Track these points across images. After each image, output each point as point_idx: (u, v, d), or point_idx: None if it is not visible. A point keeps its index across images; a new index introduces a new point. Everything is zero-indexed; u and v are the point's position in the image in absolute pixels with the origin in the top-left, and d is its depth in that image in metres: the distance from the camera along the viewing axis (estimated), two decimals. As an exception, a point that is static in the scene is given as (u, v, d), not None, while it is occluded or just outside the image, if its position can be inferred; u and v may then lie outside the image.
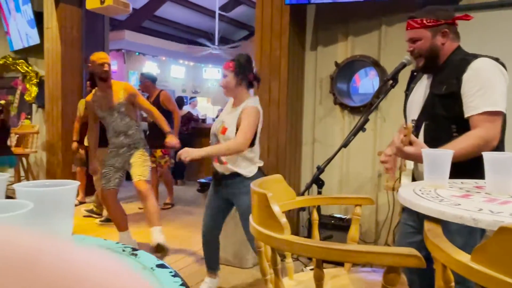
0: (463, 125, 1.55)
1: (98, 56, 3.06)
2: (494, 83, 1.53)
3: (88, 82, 4.29)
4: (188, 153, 2.13)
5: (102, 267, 0.19)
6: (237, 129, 2.19)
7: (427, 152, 1.36)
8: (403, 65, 1.93)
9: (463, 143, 1.47)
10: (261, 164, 2.34)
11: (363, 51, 3.36)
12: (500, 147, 1.53)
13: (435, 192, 1.30)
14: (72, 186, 0.70)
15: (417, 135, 1.70)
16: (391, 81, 2.01)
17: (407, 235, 1.71)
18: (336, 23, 3.47)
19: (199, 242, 3.49)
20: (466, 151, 1.45)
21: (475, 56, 1.58)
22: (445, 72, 1.63)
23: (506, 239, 0.77)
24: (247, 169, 2.25)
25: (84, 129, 4.21)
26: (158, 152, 4.54)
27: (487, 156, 1.28)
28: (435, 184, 1.34)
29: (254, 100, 2.27)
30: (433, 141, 1.56)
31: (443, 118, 1.60)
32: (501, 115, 1.53)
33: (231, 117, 2.26)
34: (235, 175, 2.24)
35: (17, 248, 0.18)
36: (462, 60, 1.59)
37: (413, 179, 1.73)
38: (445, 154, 1.34)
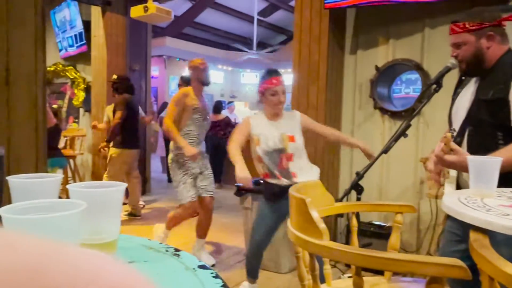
0: (510, 133, 1.47)
1: (199, 62, 3.15)
2: None
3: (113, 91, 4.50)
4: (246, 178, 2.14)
5: (110, 271, 0.19)
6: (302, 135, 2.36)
7: (473, 159, 1.31)
8: (448, 69, 1.87)
9: (507, 154, 1.40)
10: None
11: (405, 54, 3.28)
12: None
13: (482, 201, 1.24)
14: (120, 188, 0.73)
15: (461, 141, 1.64)
16: (434, 86, 1.95)
17: (451, 243, 1.65)
18: (376, 26, 3.41)
19: (236, 246, 3.54)
20: (509, 163, 1.37)
21: None
22: (493, 76, 1.56)
23: (561, 253, 0.73)
24: (316, 172, 2.32)
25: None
26: None
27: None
28: (482, 193, 1.29)
29: (288, 109, 2.47)
30: (477, 148, 1.50)
31: (489, 124, 1.53)
32: None
33: (287, 126, 2.32)
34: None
35: (23, 254, 0.18)
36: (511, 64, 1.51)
37: (458, 187, 1.66)
38: (493, 162, 1.28)
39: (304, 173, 2.23)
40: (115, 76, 4.53)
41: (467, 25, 1.59)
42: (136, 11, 4.49)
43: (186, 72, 5.07)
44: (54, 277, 0.18)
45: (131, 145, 4.48)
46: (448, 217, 1.70)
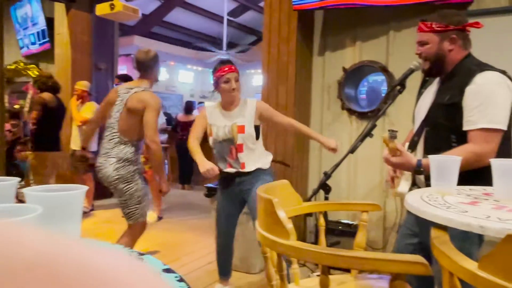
0: (463, 137, 1.54)
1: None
2: (496, 99, 1.50)
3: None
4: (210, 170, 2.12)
5: (121, 268, 0.19)
6: (257, 128, 2.28)
7: (434, 158, 1.35)
8: (411, 71, 1.93)
9: (460, 154, 1.44)
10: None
11: (371, 56, 3.35)
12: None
13: (443, 199, 1.29)
14: (80, 191, 0.71)
15: (418, 141, 1.71)
16: (399, 87, 2.00)
17: (405, 236, 1.73)
18: (344, 28, 3.47)
19: (206, 247, 3.51)
20: (462, 162, 1.43)
21: (482, 69, 1.55)
22: (451, 81, 1.61)
23: (514, 247, 0.76)
24: (265, 161, 2.33)
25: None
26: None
27: (496, 163, 1.27)
28: (443, 190, 1.33)
29: (245, 98, 2.38)
30: (432, 149, 1.56)
31: (444, 127, 1.59)
32: (500, 132, 1.50)
33: (238, 116, 2.29)
34: (252, 171, 2.28)
35: (34, 249, 0.18)
36: (469, 70, 1.56)
37: (414, 183, 1.73)
38: (453, 160, 1.33)
39: (254, 162, 2.28)
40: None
41: (433, 26, 1.64)
42: (101, 9, 4.37)
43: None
44: (64, 272, 0.17)
45: (46, 147, 4.19)
46: (407, 212, 1.77)
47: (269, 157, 2.39)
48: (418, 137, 1.70)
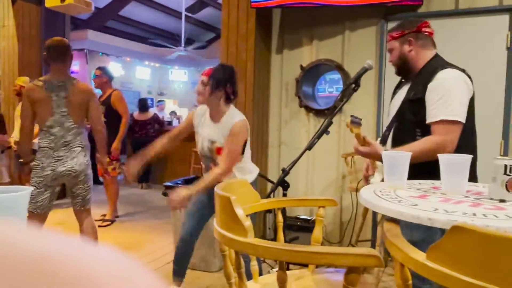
0: (427, 130, 1.66)
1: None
2: (455, 94, 1.64)
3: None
4: (179, 198, 2.04)
5: (114, 266, 0.19)
6: None
7: (386, 154, 1.40)
8: (365, 70, 2.00)
9: (418, 146, 1.59)
10: (257, 171, 2.29)
11: (328, 55, 3.43)
12: (464, 153, 1.60)
13: (394, 193, 1.34)
14: (23, 193, 0.67)
15: (388, 135, 1.84)
16: (353, 85, 2.06)
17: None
18: (301, 27, 3.52)
19: (164, 247, 3.45)
20: (420, 154, 1.56)
21: (443, 67, 1.70)
22: (418, 79, 1.76)
23: (459, 238, 0.81)
24: (251, 175, 2.22)
25: None
26: (106, 158, 4.21)
27: (443, 157, 1.33)
28: (394, 185, 1.38)
29: (236, 113, 2.17)
30: (399, 142, 1.69)
31: (410, 122, 1.72)
32: (459, 124, 1.64)
33: (219, 134, 2.15)
34: None
35: (26, 247, 0.18)
36: (433, 68, 1.71)
37: None
38: (403, 156, 1.38)
39: (233, 176, 2.18)
40: None
41: (394, 34, 1.85)
42: (51, 1, 4.16)
43: (110, 68, 4.68)
44: (57, 270, 0.17)
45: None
46: None
47: (253, 174, 2.26)
48: (389, 132, 1.83)
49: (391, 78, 3.13)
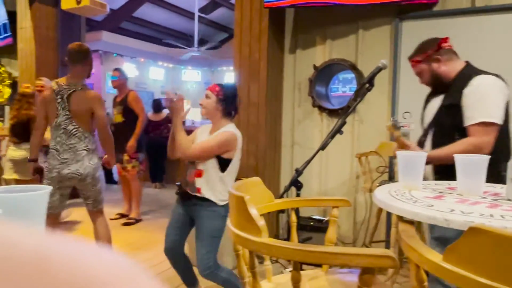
0: (465, 134, 1.73)
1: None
2: (490, 97, 1.71)
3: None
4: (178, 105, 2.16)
5: (114, 268, 0.19)
6: (224, 161, 2.18)
7: (401, 154, 1.39)
8: (379, 69, 1.99)
9: (455, 148, 1.64)
10: (227, 202, 2.20)
11: (341, 54, 3.41)
12: (499, 155, 1.63)
13: (409, 193, 1.32)
14: (42, 192, 0.68)
15: (425, 140, 1.92)
16: (367, 85, 2.05)
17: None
18: (314, 26, 3.51)
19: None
20: (452, 155, 1.60)
21: (477, 73, 1.78)
22: (453, 86, 1.83)
23: (476, 239, 0.79)
24: (221, 196, 2.17)
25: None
26: (125, 156, 4.18)
27: (458, 158, 1.31)
28: (409, 185, 1.37)
29: (232, 126, 2.25)
30: (438, 146, 1.78)
31: (448, 126, 1.80)
32: (496, 126, 1.69)
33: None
34: (205, 199, 2.15)
35: (26, 248, 0.18)
36: (467, 76, 1.78)
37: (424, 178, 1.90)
38: (418, 157, 1.37)
39: (210, 190, 2.16)
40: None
41: (418, 58, 1.94)
42: (67, 3, 4.23)
43: (124, 69, 4.72)
44: (57, 270, 0.18)
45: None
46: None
47: (223, 201, 2.21)
48: (425, 137, 1.92)
49: (406, 77, 3.10)
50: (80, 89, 2.54)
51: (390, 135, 1.70)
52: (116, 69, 4.42)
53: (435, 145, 1.83)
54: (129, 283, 0.19)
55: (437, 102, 1.91)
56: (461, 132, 1.74)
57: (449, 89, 1.85)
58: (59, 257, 0.18)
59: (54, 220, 2.52)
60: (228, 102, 2.25)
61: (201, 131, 2.37)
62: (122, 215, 4.47)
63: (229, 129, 2.22)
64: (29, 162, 2.69)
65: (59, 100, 2.50)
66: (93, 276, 0.18)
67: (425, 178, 1.82)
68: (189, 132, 2.41)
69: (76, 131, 2.51)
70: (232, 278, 2.19)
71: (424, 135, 1.94)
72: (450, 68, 1.87)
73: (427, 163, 1.68)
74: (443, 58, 1.88)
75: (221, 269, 2.19)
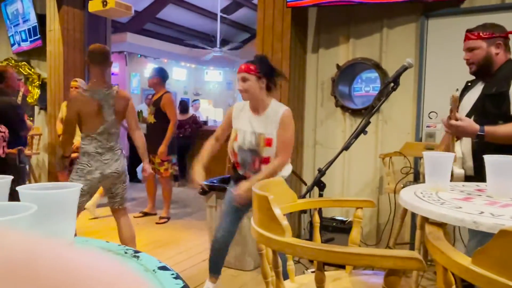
0: (509, 121, 1.74)
1: None
2: None
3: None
4: (244, 192, 2.06)
5: (101, 268, 0.19)
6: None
7: (428, 154, 1.36)
8: (405, 68, 1.95)
9: (507, 127, 1.70)
10: (291, 166, 2.30)
11: (365, 53, 3.36)
12: None
13: (437, 195, 1.30)
14: (75, 189, 0.70)
15: None
16: (392, 84, 2.02)
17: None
18: (337, 25, 3.48)
19: (200, 245, 3.51)
20: (509, 134, 1.69)
21: None
22: (496, 77, 1.85)
23: (507, 242, 0.77)
24: (285, 172, 2.20)
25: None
26: (157, 159, 4.23)
27: (488, 159, 1.28)
28: (437, 187, 1.34)
29: (278, 104, 2.18)
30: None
31: (492, 115, 1.82)
32: None
33: (267, 125, 2.14)
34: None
35: (15, 251, 0.18)
36: None
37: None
38: (446, 157, 1.34)
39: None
40: None
41: (481, 34, 1.89)
42: (94, 5, 4.33)
43: (148, 70, 4.86)
44: (45, 272, 0.18)
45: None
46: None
47: (289, 169, 2.25)
48: None
49: (432, 77, 3.04)
50: (117, 92, 2.63)
51: (452, 103, 1.68)
52: (154, 69, 4.57)
53: None
54: (116, 283, 0.19)
55: (475, 94, 1.92)
56: (506, 120, 1.76)
57: (490, 80, 1.87)
58: (49, 259, 0.18)
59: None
60: (268, 75, 2.15)
61: (237, 111, 2.26)
62: (146, 214, 4.54)
63: (281, 108, 2.15)
64: (64, 158, 2.80)
65: (106, 107, 2.54)
66: (81, 279, 0.18)
67: (467, 169, 1.85)
68: (211, 131, 2.42)
69: (115, 133, 2.63)
70: None
71: None
72: (501, 59, 1.89)
73: (481, 138, 1.69)
74: (503, 47, 1.90)
75: None
